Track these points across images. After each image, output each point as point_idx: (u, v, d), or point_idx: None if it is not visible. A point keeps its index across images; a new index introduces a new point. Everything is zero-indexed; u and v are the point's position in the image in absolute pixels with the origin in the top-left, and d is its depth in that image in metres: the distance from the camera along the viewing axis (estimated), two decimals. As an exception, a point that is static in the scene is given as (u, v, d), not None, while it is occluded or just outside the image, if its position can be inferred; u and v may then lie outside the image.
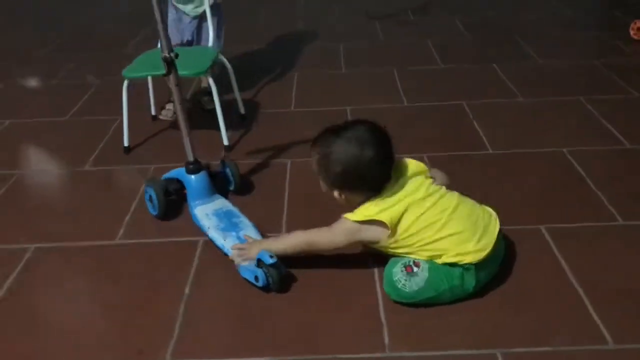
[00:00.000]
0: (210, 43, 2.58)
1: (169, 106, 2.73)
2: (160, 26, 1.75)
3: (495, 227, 1.58)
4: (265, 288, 1.60)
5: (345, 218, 1.57)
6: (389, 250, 1.59)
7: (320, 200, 1.72)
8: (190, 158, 1.91)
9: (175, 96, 1.84)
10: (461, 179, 1.88)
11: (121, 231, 1.94)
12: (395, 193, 1.56)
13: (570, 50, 3.41)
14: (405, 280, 1.51)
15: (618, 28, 3.62)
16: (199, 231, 1.86)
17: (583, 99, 2.71)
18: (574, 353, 1.38)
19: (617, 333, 1.42)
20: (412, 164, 1.66)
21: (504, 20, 4.07)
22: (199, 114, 2.73)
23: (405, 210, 1.53)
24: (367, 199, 1.57)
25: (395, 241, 1.55)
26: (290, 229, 1.79)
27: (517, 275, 1.63)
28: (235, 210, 1.87)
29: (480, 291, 1.55)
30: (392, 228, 1.52)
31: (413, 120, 2.61)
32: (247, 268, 1.63)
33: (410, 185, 1.58)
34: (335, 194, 1.62)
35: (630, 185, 2.05)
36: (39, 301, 1.66)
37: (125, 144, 2.44)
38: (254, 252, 1.63)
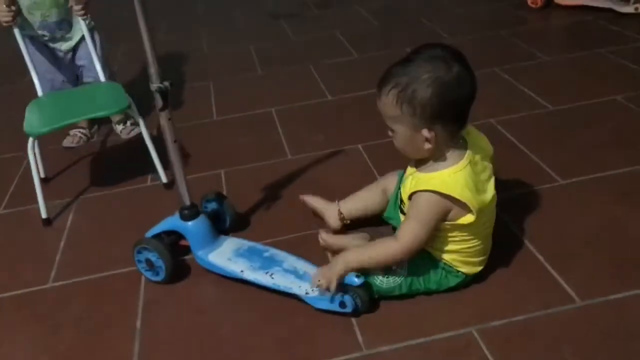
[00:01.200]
0: (101, 75, 2.28)
1: (73, 131, 2.56)
2: (149, 54, 1.44)
3: None
4: (354, 312, 1.44)
5: (421, 191, 1.34)
6: None
7: (261, 204, 1.64)
8: (187, 202, 1.64)
9: (169, 133, 1.54)
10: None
11: (53, 273, 1.77)
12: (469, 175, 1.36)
13: (475, 25, 3.50)
14: (383, 277, 1.45)
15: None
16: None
17: (498, 69, 2.79)
18: (547, 317, 1.39)
19: (581, 291, 1.44)
20: (484, 142, 1.49)
21: (405, 3, 4.12)
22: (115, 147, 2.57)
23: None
24: (452, 138, 1.36)
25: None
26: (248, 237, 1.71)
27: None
28: (256, 245, 1.67)
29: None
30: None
31: (342, 113, 2.58)
32: (322, 298, 1.44)
33: (487, 184, 1.42)
34: (425, 132, 1.32)
35: (561, 144, 2.11)
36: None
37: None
38: (340, 272, 1.40)
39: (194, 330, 1.49)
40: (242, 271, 1.57)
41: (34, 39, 2.36)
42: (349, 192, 1.79)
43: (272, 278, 1.53)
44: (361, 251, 1.47)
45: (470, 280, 1.51)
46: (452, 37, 3.30)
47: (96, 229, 1.99)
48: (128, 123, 2.58)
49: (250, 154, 2.32)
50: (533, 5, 3.58)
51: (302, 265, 1.56)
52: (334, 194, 1.80)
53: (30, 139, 1.95)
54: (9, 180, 2.34)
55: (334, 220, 1.74)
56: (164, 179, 2.15)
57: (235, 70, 3.24)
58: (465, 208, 1.35)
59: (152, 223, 1.72)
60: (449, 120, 1.33)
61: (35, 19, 2.29)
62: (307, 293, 1.47)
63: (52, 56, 2.43)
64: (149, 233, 1.69)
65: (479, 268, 1.50)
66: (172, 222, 1.67)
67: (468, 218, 1.36)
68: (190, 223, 1.65)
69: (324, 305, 1.45)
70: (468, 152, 1.38)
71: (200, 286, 1.65)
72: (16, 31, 2.12)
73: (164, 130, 1.54)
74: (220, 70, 3.28)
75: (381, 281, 1.45)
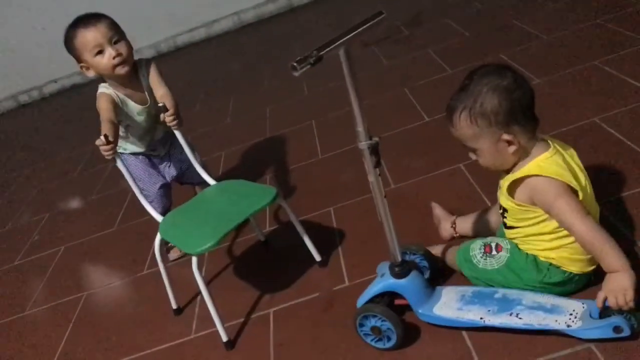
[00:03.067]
0: (207, 178, 2.13)
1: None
2: (357, 112, 1.40)
3: None
4: (632, 335, 1.35)
5: (532, 177, 1.42)
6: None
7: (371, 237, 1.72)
8: (398, 259, 1.58)
9: (378, 189, 1.48)
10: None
11: (194, 325, 1.98)
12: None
13: (570, 17, 3.37)
14: (481, 257, 1.57)
15: None
16: (265, 305, 1.88)
17: (598, 62, 2.68)
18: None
19: None
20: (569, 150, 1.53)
21: (494, 6, 4.05)
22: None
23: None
24: (531, 137, 1.45)
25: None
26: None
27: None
28: (479, 288, 1.60)
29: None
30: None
31: (441, 133, 2.61)
32: (591, 327, 1.37)
33: (581, 175, 1.46)
34: (506, 137, 1.42)
35: None
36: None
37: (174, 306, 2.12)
38: (633, 284, 1.33)
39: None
40: (481, 318, 1.50)
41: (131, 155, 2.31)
42: (456, 214, 1.85)
43: (520, 319, 1.46)
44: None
45: (586, 283, 1.51)
46: (547, 35, 3.21)
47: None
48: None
49: (355, 188, 2.41)
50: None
51: (545, 299, 1.49)
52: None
53: (195, 260, 1.77)
54: (149, 243, 2.63)
55: (445, 230, 1.90)
56: (317, 258, 2.07)
57: (333, 106, 3.33)
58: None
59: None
60: (522, 119, 1.42)
61: (145, 142, 2.29)
62: (568, 326, 1.40)
63: (150, 165, 2.35)
64: (361, 300, 1.63)
65: (591, 267, 1.49)
66: (385, 283, 1.60)
67: None
68: (405, 280, 1.58)
69: (596, 334, 1.37)
70: (552, 144, 1.48)
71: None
72: (119, 162, 1.92)
73: (374, 186, 1.48)
74: (319, 108, 3.40)
75: (477, 260, 1.57)
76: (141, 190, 2.01)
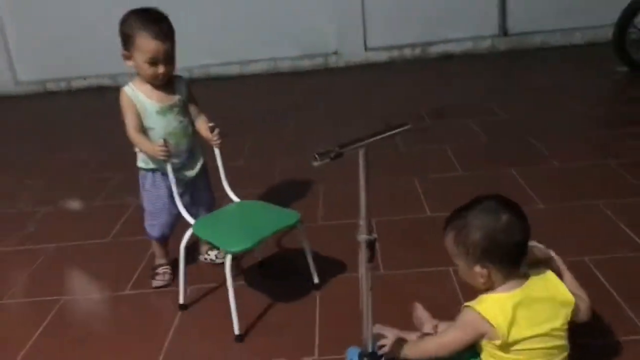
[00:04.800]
0: (233, 195, 2.39)
1: (162, 270, 2.54)
2: (363, 207, 1.52)
3: None
4: None
5: (468, 307, 1.56)
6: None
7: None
8: (369, 349, 1.67)
9: (366, 282, 1.59)
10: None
11: (160, 359, 2.03)
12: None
13: (584, 151, 3.49)
14: None
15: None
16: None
17: (601, 202, 2.79)
18: None
19: None
20: (561, 290, 1.59)
21: (517, 119, 4.20)
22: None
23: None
24: (507, 276, 1.55)
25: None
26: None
27: None
28: None
29: None
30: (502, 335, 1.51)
31: (439, 231, 2.70)
32: None
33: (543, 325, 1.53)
34: (478, 269, 1.55)
35: None
36: None
37: (237, 332, 2.10)
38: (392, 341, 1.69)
39: None
40: None
41: (156, 172, 2.37)
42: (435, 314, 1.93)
43: None
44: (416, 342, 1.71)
45: None
46: (559, 162, 3.35)
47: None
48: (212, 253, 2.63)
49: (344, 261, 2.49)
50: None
51: None
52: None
53: (229, 257, 2.03)
54: (136, 264, 2.69)
55: (427, 330, 1.93)
56: (316, 280, 2.35)
57: (345, 179, 3.38)
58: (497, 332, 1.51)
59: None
60: (497, 261, 1.54)
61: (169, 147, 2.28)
62: None
63: (168, 196, 2.37)
64: None
65: None
66: None
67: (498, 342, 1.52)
68: None
69: None
70: (524, 287, 1.55)
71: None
72: (168, 167, 2.24)
73: (362, 279, 1.57)
74: (330, 178, 3.39)
75: None
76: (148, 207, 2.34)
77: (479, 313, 1.53)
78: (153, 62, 2.17)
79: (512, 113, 4.39)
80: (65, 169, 4.17)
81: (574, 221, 2.69)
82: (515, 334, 1.51)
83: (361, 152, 1.45)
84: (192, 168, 2.43)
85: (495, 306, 1.53)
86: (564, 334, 1.58)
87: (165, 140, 2.18)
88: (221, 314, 2.16)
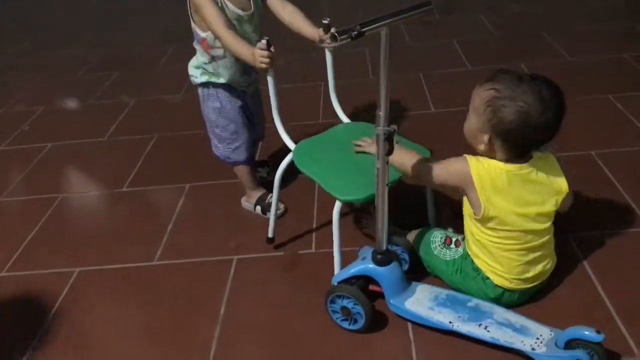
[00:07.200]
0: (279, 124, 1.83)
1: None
2: (382, 97, 1.38)
3: (549, 271, 1.60)
4: None
5: (465, 158, 1.49)
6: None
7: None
8: (383, 247, 1.57)
9: (382, 177, 1.45)
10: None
11: (159, 252, 2.03)
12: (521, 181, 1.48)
13: (597, 44, 3.34)
14: (439, 244, 1.65)
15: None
16: (232, 251, 1.94)
17: (612, 96, 2.68)
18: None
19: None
20: (559, 183, 1.53)
21: (531, 12, 4.01)
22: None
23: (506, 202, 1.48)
24: (510, 157, 1.48)
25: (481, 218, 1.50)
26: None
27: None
28: (454, 293, 1.61)
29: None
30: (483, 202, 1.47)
31: (445, 127, 2.61)
32: (552, 355, 1.38)
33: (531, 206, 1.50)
34: (484, 137, 1.47)
35: None
36: (85, 322, 1.77)
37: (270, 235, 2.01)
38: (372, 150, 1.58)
39: (269, 326, 1.67)
40: (450, 322, 1.51)
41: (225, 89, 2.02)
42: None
43: (488, 332, 1.47)
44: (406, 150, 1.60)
45: (524, 301, 1.58)
46: (570, 56, 3.21)
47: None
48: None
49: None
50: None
51: (515, 318, 1.50)
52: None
53: (339, 205, 1.61)
54: (134, 161, 2.66)
55: None
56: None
57: (351, 74, 3.25)
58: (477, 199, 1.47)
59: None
60: (511, 144, 1.45)
61: (240, 63, 1.95)
62: (533, 349, 1.41)
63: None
64: (337, 278, 1.63)
65: (516, 286, 1.55)
66: (364, 267, 1.60)
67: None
68: (384, 269, 1.58)
69: None
70: (524, 166, 1.48)
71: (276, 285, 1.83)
72: (269, 79, 1.73)
73: (379, 173, 1.44)
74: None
75: (434, 247, 1.66)
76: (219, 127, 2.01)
77: (470, 170, 1.47)
78: None
79: (525, 5, 4.18)
80: (60, 68, 4.06)
81: (581, 115, 2.58)
82: (497, 203, 1.47)
83: (384, 33, 1.32)
84: (253, 85, 2.11)
85: (488, 173, 1.47)
86: (548, 225, 1.54)
87: (268, 41, 1.65)
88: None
